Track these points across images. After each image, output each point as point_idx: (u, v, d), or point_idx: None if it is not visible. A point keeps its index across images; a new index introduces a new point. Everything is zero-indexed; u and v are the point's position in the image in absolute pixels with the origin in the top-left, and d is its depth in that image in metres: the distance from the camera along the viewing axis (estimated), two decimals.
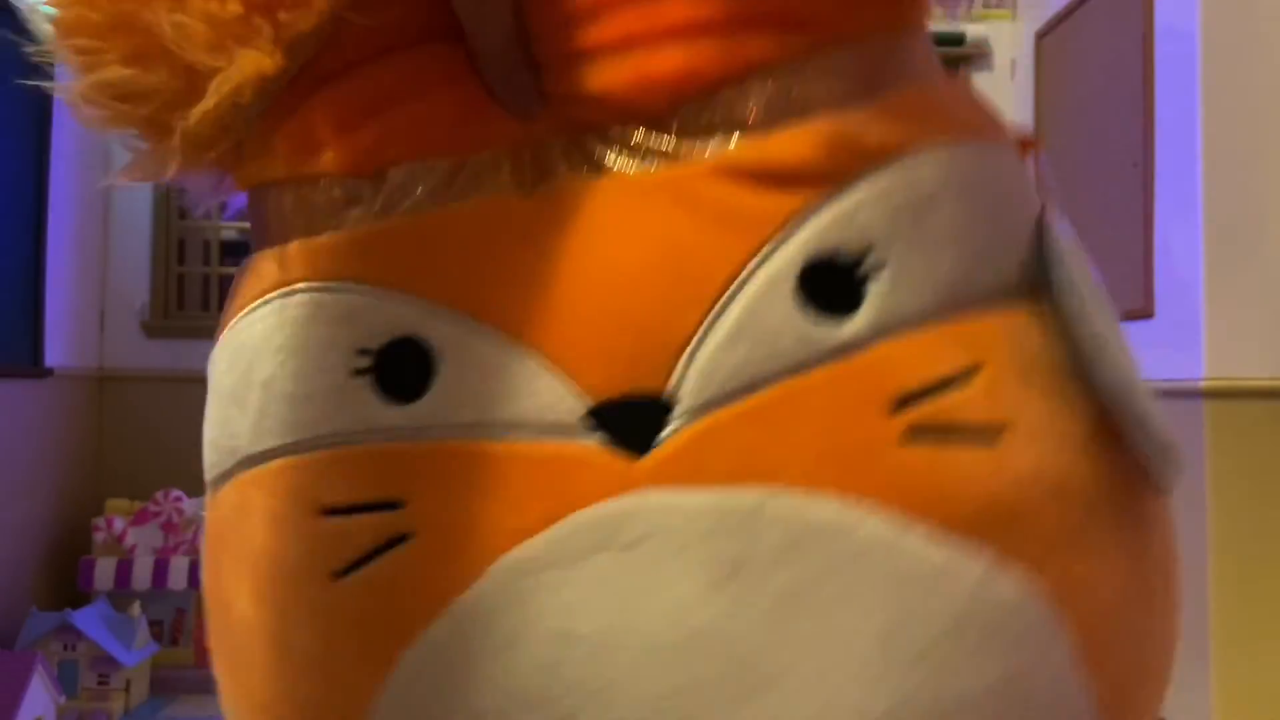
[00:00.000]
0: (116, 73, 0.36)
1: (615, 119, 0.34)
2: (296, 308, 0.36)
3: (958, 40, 3.07)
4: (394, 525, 0.33)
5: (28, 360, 2.87)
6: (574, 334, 0.33)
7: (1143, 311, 2.41)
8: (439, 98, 0.35)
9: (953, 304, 0.34)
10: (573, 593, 0.32)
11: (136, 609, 2.70)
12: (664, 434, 0.33)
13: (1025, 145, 0.41)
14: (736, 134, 0.34)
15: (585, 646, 0.32)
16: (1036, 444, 0.34)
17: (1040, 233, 0.37)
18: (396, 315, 0.34)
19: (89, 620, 2.57)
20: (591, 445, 0.33)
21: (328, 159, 0.36)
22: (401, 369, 0.34)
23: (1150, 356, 2.08)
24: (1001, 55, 3.30)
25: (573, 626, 0.32)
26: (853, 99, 0.34)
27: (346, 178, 0.36)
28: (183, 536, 2.89)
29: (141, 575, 2.81)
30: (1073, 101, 2.86)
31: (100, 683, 2.57)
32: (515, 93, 0.34)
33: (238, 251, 3.39)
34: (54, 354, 2.95)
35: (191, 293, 3.33)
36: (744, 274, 0.33)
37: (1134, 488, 0.37)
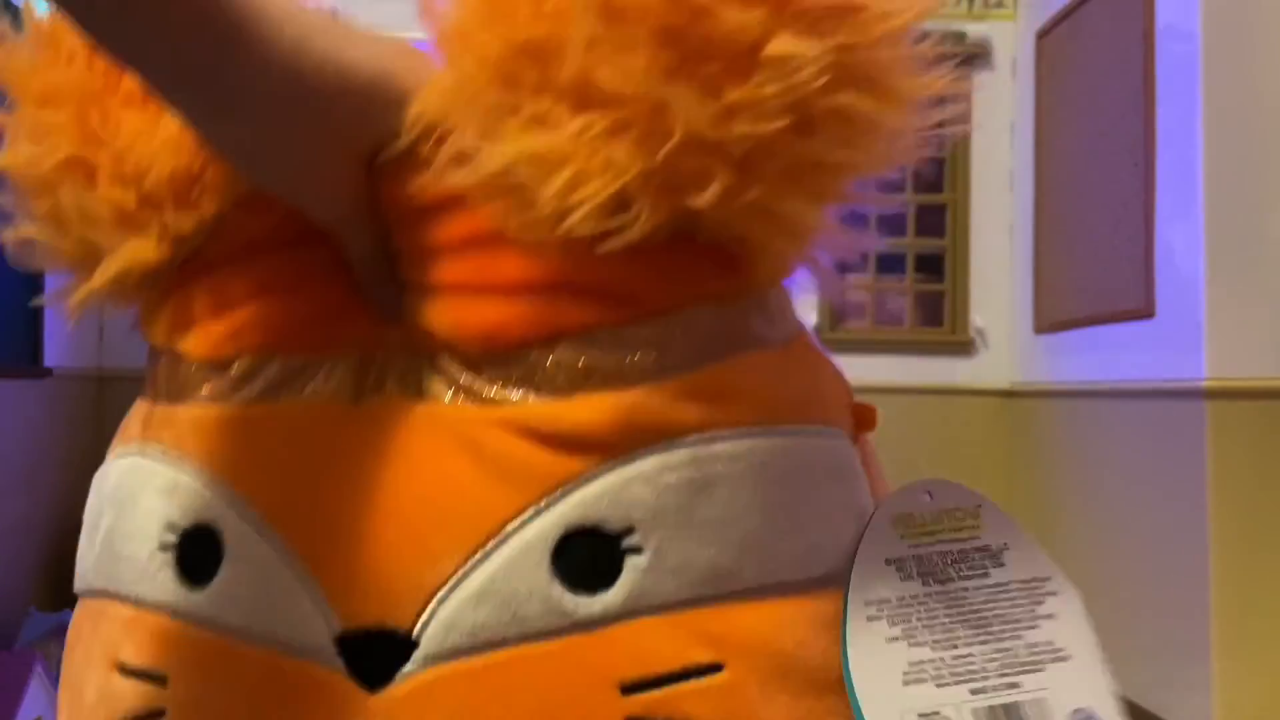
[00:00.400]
0: (34, 230, 0.41)
1: (440, 351, 0.36)
2: (134, 471, 0.39)
3: (959, 39, 3.08)
4: (155, 698, 0.36)
5: (27, 360, 2.87)
6: (341, 557, 0.34)
7: (1143, 311, 2.41)
8: (301, 296, 0.37)
9: (709, 596, 0.34)
10: None
11: None
12: (402, 671, 0.33)
13: (863, 421, 0.40)
14: (534, 392, 0.34)
15: None
16: None
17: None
18: (204, 501, 0.36)
19: None
20: (335, 668, 0.34)
21: (190, 340, 0.38)
22: (201, 553, 0.36)
23: (1151, 357, 2.09)
24: (1002, 55, 3.29)
25: None
26: (658, 373, 0.35)
27: (201, 360, 0.38)
28: None
29: None
30: (1073, 101, 2.86)
31: None
32: (383, 300, 0.37)
33: None
34: (53, 354, 2.95)
35: None
36: (505, 531, 0.33)
37: None
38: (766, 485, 0.35)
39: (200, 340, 0.38)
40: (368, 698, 0.33)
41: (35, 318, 2.89)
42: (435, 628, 0.33)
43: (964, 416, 3.18)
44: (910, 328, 3.28)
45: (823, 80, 0.31)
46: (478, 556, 0.33)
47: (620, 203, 0.32)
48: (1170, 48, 2.35)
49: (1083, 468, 2.72)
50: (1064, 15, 2.91)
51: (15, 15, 0.41)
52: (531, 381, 0.34)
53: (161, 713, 0.35)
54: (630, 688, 0.33)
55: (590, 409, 0.34)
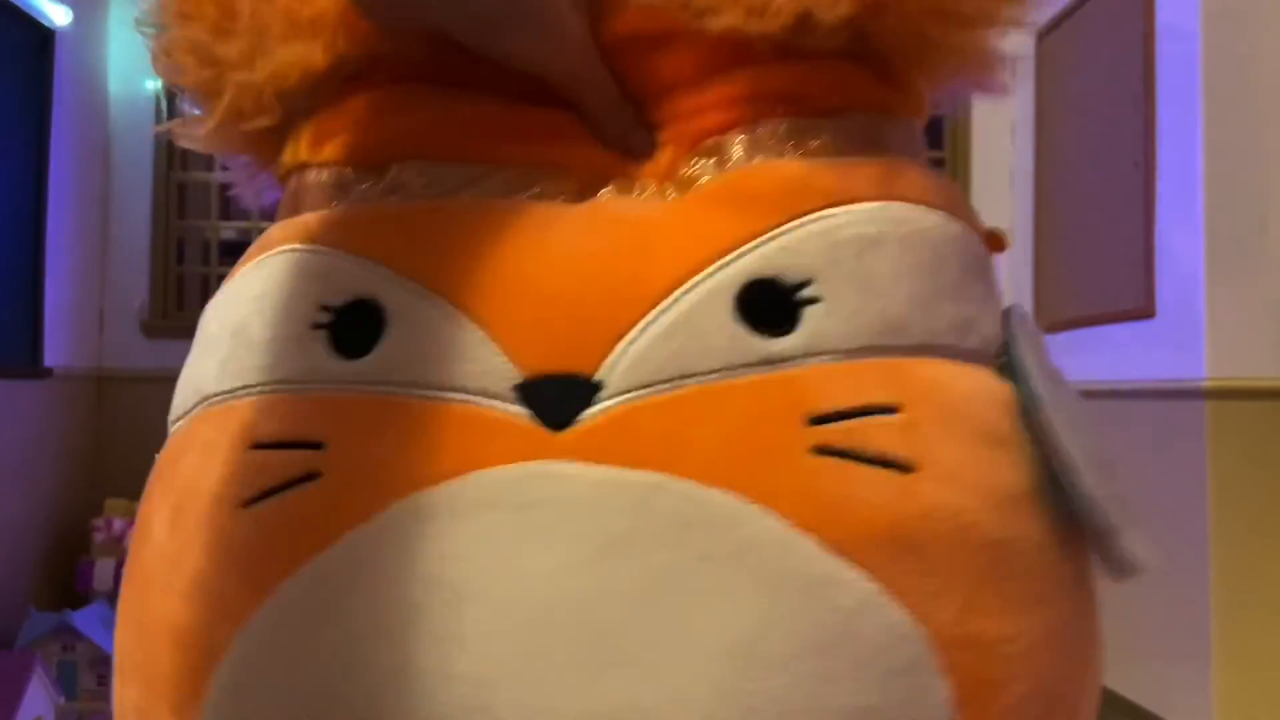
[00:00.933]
0: (199, 35, 0.41)
1: (636, 174, 0.39)
2: (278, 264, 0.39)
3: None
4: (307, 463, 0.34)
5: (27, 360, 2.87)
6: (518, 311, 0.35)
7: (1144, 311, 2.41)
8: (460, 112, 0.39)
9: (882, 346, 0.36)
10: (453, 542, 0.32)
11: None
12: (588, 412, 0.34)
13: (993, 241, 0.42)
14: (717, 171, 0.38)
15: (446, 594, 0.32)
16: (947, 487, 0.34)
17: (1006, 328, 0.39)
18: (360, 278, 0.37)
19: (88, 621, 2.57)
20: (515, 413, 0.34)
21: (341, 149, 0.40)
22: (359, 328, 0.36)
23: (1151, 357, 2.09)
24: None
25: (442, 573, 0.32)
26: (826, 153, 0.38)
27: (353, 166, 0.40)
28: None
29: None
30: (1073, 101, 2.86)
31: (99, 683, 2.57)
32: (635, 144, 0.39)
33: (237, 252, 3.38)
34: (53, 354, 2.95)
35: (191, 293, 3.33)
36: (691, 281, 0.35)
37: (1071, 552, 0.36)
38: (930, 252, 0.38)
39: (354, 149, 0.39)
40: (547, 438, 0.33)
41: (35, 317, 2.89)
42: (623, 366, 0.34)
43: None
44: None
45: None
46: (666, 303, 0.35)
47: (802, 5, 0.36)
48: (1170, 48, 2.35)
49: None
50: (1064, 16, 2.91)
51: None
52: (721, 164, 0.38)
53: (314, 475, 0.34)
54: (817, 419, 0.34)
55: (762, 176, 0.37)
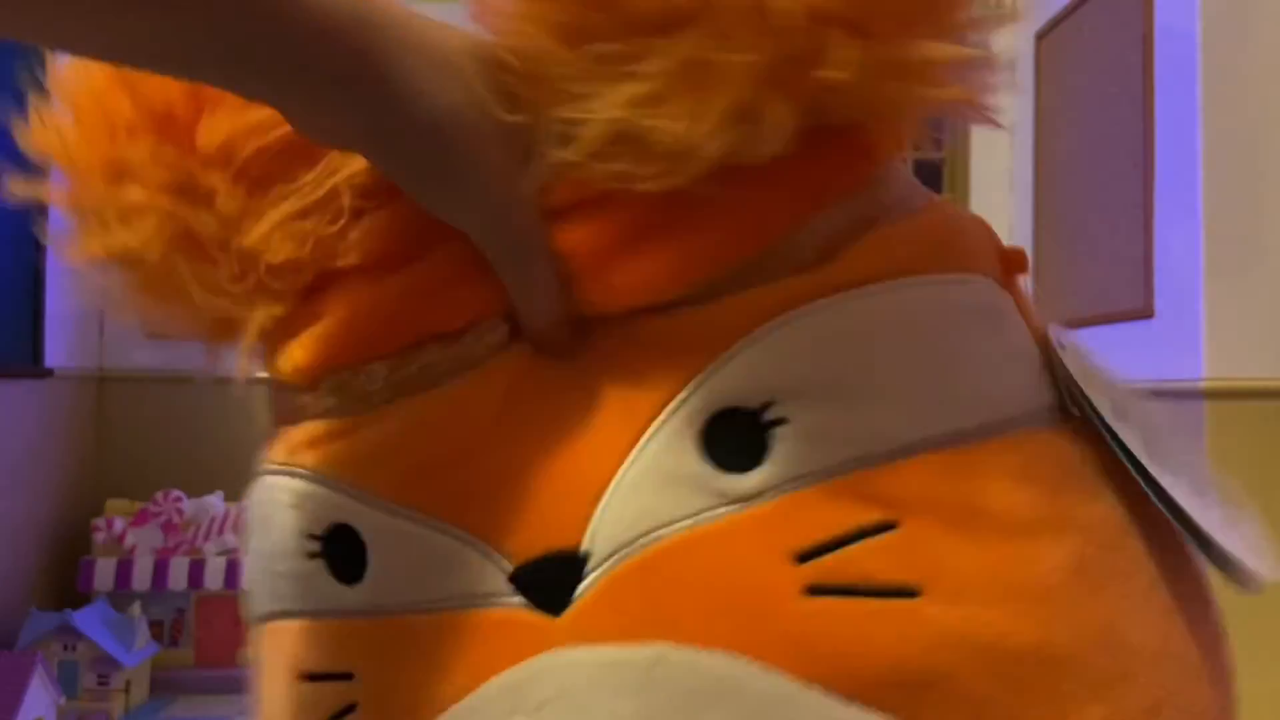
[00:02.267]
0: (147, 309, 0.41)
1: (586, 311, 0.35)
2: (267, 490, 0.39)
3: None
4: (346, 696, 0.35)
5: (28, 360, 2.87)
6: (492, 503, 0.34)
7: (1142, 311, 2.42)
8: (385, 303, 0.37)
9: (864, 456, 0.32)
10: None
11: (136, 609, 2.70)
12: (581, 588, 0.32)
13: (1011, 263, 0.38)
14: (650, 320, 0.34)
15: None
16: (963, 602, 0.31)
17: (1051, 361, 0.35)
18: (333, 502, 0.36)
19: (89, 621, 2.57)
20: (515, 605, 0.33)
21: (287, 364, 0.38)
22: (348, 552, 0.36)
23: (1150, 356, 2.09)
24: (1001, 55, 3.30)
25: None
26: (790, 271, 0.34)
27: (298, 382, 0.38)
28: (183, 537, 2.90)
29: (141, 576, 2.82)
30: (1073, 102, 2.86)
31: (100, 683, 2.57)
32: (550, 326, 0.35)
33: None
34: (54, 354, 2.95)
35: None
36: (651, 428, 0.33)
37: (1160, 610, 0.33)
38: (904, 335, 0.33)
39: (293, 363, 0.38)
40: (548, 625, 0.32)
41: (36, 318, 2.89)
42: (603, 531, 0.33)
43: None
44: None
45: None
46: (631, 456, 0.33)
47: (744, 116, 0.30)
48: (1169, 49, 2.35)
49: None
50: (1063, 16, 2.91)
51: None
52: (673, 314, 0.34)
53: (353, 707, 0.35)
54: (805, 555, 0.31)
55: (713, 309, 0.33)
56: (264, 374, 0.42)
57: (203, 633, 2.89)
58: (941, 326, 0.34)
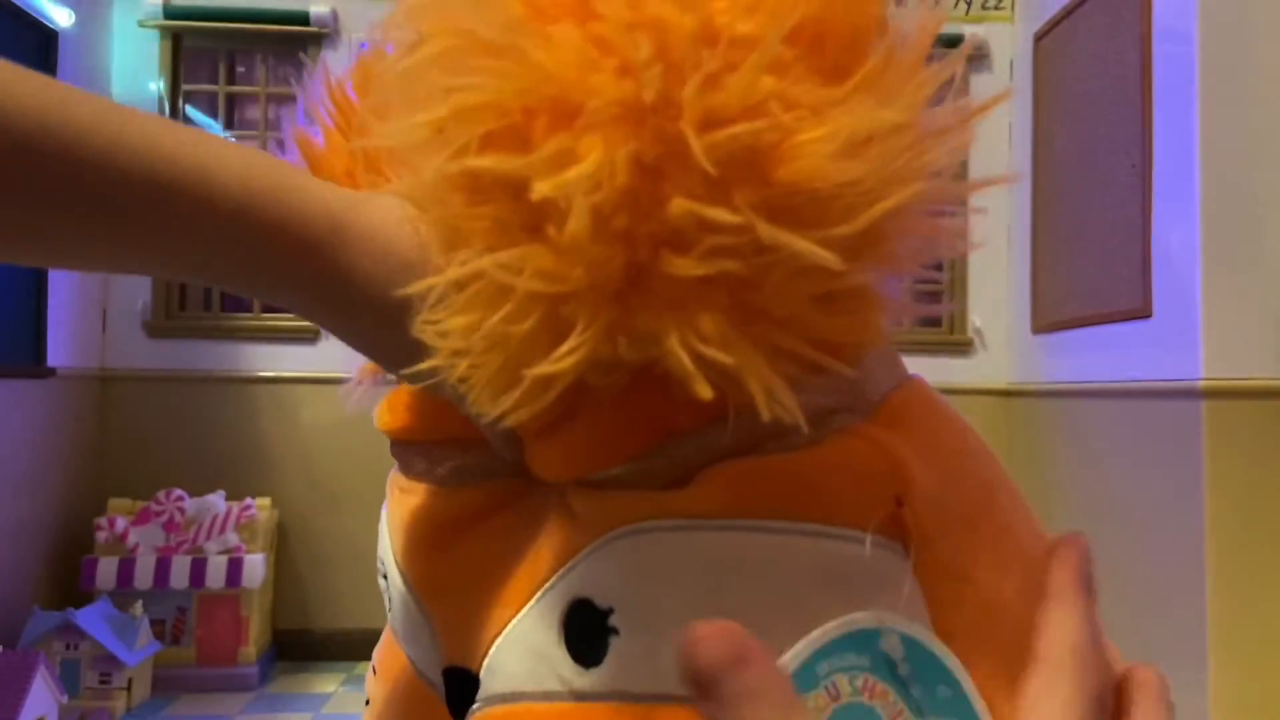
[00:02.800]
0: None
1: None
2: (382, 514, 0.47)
3: (957, 41, 3.09)
4: (370, 687, 0.46)
5: (30, 360, 2.88)
6: (445, 605, 0.40)
7: (1141, 312, 2.42)
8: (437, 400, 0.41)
9: (671, 695, 0.32)
10: None
11: (138, 608, 2.71)
12: (471, 709, 0.37)
13: (900, 528, 0.33)
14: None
15: None
16: None
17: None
18: (384, 546, 0.44)
19: (91, 619, 2.58)
20: (441, 698, 0.40)
21: (380, 416, 0.44)
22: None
23: (1148, 357, 2.10)
24: (1000, 56, 3.30)
25: None
26: (661, 477, 0.34)
27: (386, 434, 0.45)
28: (184, 536, 2.90)
29: (143, 574, 2.83)
30: (1071, 102, 2.87)
31: (102, 682, 2.58)
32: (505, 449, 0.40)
33: None
34: (56, 354, 2.96)
35: (193, 293, 3.34)
36: (539, 594, 0.36)
37: None
38: (729, 578, 0.32)
39: (381, 420, 0.44)
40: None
41: (38, 318, 2.90)
42: (488, 668, 0.37)
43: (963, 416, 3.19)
44: (909, 328, 3.29)
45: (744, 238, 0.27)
46: (521, 613, 0.36)
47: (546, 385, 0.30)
48: (1167, 49, 2.36)
49: (1080, 467, 2.73)
50: (1061, 17, 2.92)
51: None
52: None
53: (369, 702, 0.45)
54: None
55: (604, 500, 0.34)
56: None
57: (204, 631, 2.90)
58: (771, 575, 0.32)
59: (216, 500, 2.97)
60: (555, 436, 0.34)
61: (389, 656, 0.44)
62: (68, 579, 2.89)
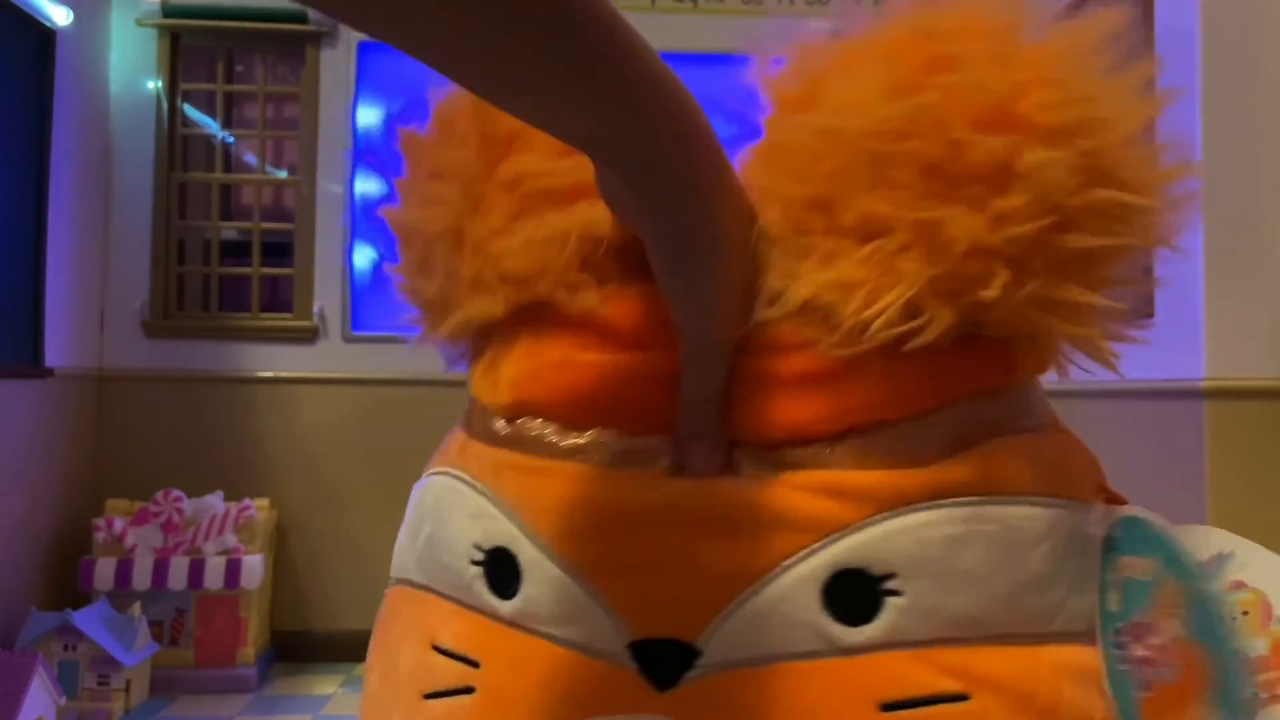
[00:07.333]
0: (408, 270, 0.49)
1: (741, 439, 0.41)
2: (450, 492, 0.46)
3: None
4: (466, 677, 0.43)
5: (28, 360, 2.87)
6: (633, 582, 0.40)
7: (1142, 312, 2.42)
8: (602, 379, 0.43)
9: (957, 638, 0.38)
10: None
11: (137, 609, 2.70)
12: (688, 675, 0.39)
13: (1109, 500, 0.43)
14: (820, 469, 0.40)
15: None
16: None
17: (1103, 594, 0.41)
18: (502, 528, 0.43)
19: (89, 620, 2.57)
20: (627, 669, 0.40)
21: (496, 392, 0.45)
22: (502, 569, 0.43)
23: (1150, 357, 2.08)
24: None
25: None
26: (930, 455, 0.40)
27: (501, 411, 0.45)
28: (183, 536, 2.90)
29: (141, 575, 2.82)
30: None
31: (100, 683, 2.57)
32: (701, 445, 0.41)
33: (238, 252, 3.39)
34: (54, 354, 2.95)
35: (191, 293, 3.34)
36: (782, 565, 0.39)
37: None
38: (1018, 548, 0.39)
39: (502, 394, 0.45)
40: (657, 694, 0.39)
41: (36, 318, 2.89)
42: (718, 640, 0.39)
43: None
44: None
45: (1075, 181, 0.37)
46: (759, 583, 0.39)
47: (912, 311, 0.38)
48: (1169, 48, 2.35)
49: None
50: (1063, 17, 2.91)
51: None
52: (817, 462, 0.40)
53: (470, 690, 0.42)
54: (888, 706, 0.37)
55: (867, 478, 0.39)
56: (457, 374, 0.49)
57: (202, 632, 2.89)
58: (1052, 547, 0.39)
59: (215, 501, 2.97)
60: (832, 384, 0.40)
61: (500, 642, 0.43)
62: (65, 580, 2.88)
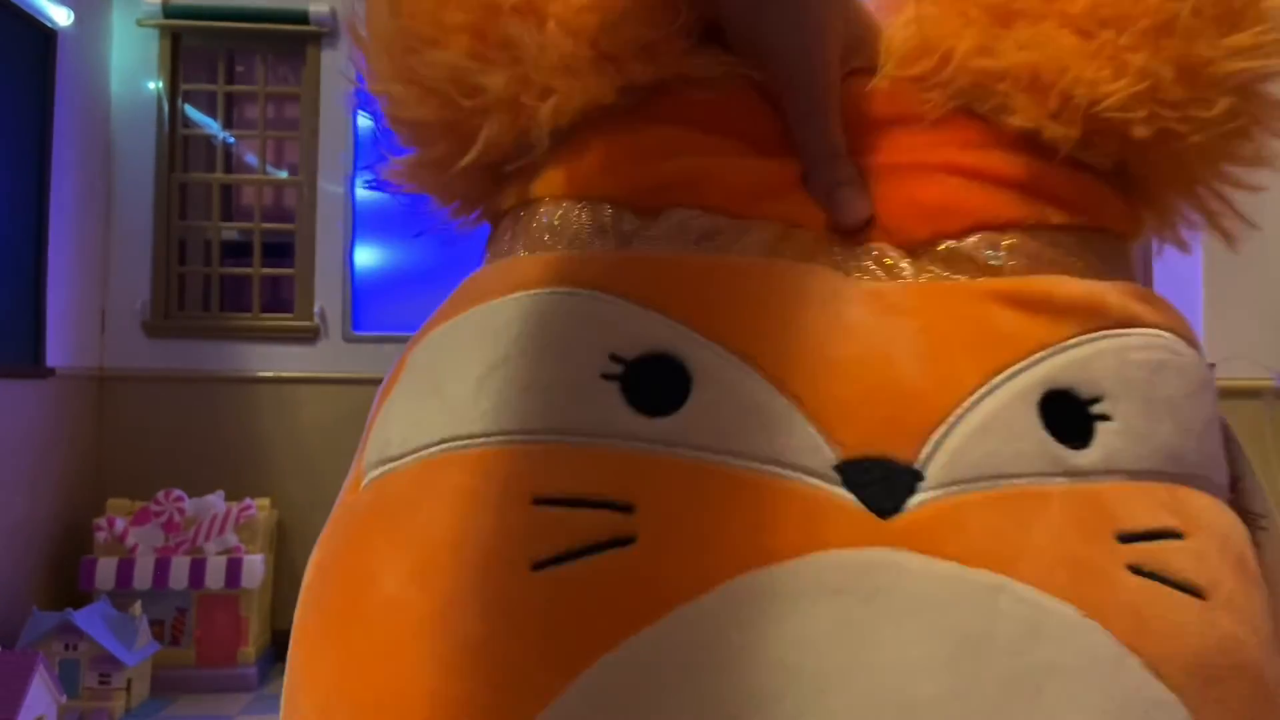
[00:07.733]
0: (456, 59, 0.38)
1: (884, 236, 0.39)
2: (545, 305, 0.36)
3: None
4: (619, 526, 0.32)
5: (29, 360, 2.88)
6: (830, 390, 0.34)
7: None
8: (727, 161, 0.39)
9: (1163, 472, 0.36)
10: (804, 627, 0.31)
11: (138, 608, 2.71)
12: (912, 501, 0.33)
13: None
14: (992, 275, 0.38)
15: (810, 684, 0.30)
16: (1234, 616, 0.34)
17: (1227, 440, 0.41)
18: (654, 332, 0.35)
19: (90, 620, 2.58)
20: (840, 495, 0.33)
21: (614, 186, 0.39)
22: (653, 384, 0.34)
23: None
24: None
25: (797, 660, 0.30)
26: (1093, 273, 0.39)
27: (615, 206, 0.39)
28: (184, 536, 2.90)
29: (142, 575, 2.82)
30: None
31: (101, 682, 2.58)
32: (839, 203, 0.39)
33: (238, 252, 3.39)
34: (55, 354, 2.96)
35: (192, 293, 3.34)
36: (994, 382, 0.36)
37: None
38: (1198, 385, 0.38)
39: (621, 188, 0.39)
40: (879, 523, 0.32)
41: (37, 317, 2.90)
42: (942, 458, 0.34)
43: None
44: None
45: None
46: (971, 400, 0.35)
47: (1101, 122, 0.38)
48: None
49: None
50: None
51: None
52: (988, 266, 0.38)
53: (626, 540, 0.31)
54: (1125, 538, 0.34)
55: (1055, 285, 0.38)
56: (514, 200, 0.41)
57: (203, 632, 2.90)
58: (1213, 394, 0.39)
59: (216, 500, 2.97)
60: (1008, 170, 0.39)
61: (658, 473, 0.33)
62: (66, 579, 2.88)
